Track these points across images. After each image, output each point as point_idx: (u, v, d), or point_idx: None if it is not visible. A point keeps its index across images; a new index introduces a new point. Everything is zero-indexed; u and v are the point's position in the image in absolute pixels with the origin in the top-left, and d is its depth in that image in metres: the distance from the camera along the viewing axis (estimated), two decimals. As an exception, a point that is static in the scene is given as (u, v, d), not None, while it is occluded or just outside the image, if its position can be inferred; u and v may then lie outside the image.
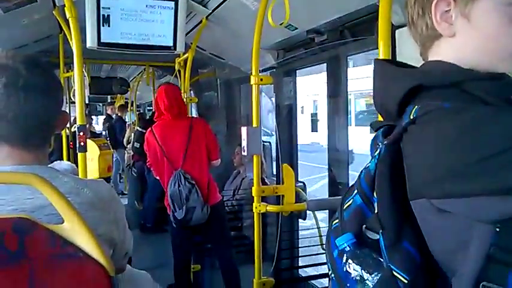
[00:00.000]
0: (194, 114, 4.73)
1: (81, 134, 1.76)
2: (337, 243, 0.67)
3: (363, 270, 0.63)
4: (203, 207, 2.69)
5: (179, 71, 3.58)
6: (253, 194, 1.99)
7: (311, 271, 2.79)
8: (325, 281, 2.53)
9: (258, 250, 2.01)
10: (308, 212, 2.57)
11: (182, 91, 3.53)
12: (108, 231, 0.97)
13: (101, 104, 10.18)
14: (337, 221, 0.72)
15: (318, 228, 2.91)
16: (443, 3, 0.67)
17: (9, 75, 0.89)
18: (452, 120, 0.57)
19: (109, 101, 8.51)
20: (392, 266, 0.61)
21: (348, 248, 0.66)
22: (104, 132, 7.73)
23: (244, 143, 1.99)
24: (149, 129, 2.89)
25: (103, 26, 2.64)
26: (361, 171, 0.70)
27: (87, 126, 5.45)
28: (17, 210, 0.85)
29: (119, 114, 7.51)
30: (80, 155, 1.79)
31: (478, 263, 0.54)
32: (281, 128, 3.18)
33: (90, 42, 2.64)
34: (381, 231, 0.63)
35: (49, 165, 1.04)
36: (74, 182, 0.95)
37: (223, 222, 2.93)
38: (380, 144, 0.67)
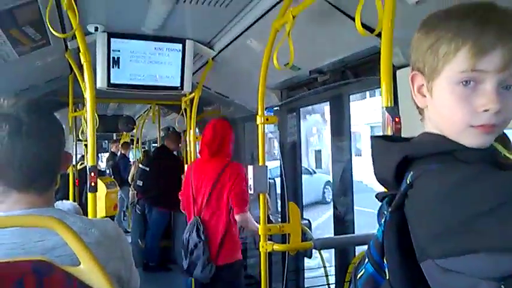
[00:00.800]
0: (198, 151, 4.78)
1: (92, 174, 1.79)
2: None
3: None
4: (205, 266, 2.40)
5: (185, 109, 3.67)
6: (259, 233, 1.99)
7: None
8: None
9: (266, 291, 2.00)
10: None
11: (188, 129, 3.61)
12: (116, 269, 0.98)
13: (106, 142, 10.28)
14: None
15: (324, 267, 2.88)
16: (419, 77, 0.72)
17: (12, 123, 0.93)
18: (439, 180, 0.61)
19: (114, 138, 8.60)
20: None
21: None
22: (107, 170, 7.77)
23: (250, 182, 2.02)
24: (191, 163, 2.77)
25: (113, 67, 2.74)
26: (370, 241, 0.74)
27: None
28: (28, 253, 0.87)
29: (122, 152, 7.57)
30: (90, 195, 1.81)
31: None
32: (286, 165, 3.22)
33: (100, 83, 2.74)
34: None
35: None
36: (81, 222, 0.98)
37: None
38: (385, 212, 0.70)
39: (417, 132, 0.78)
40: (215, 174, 2.52)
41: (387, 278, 0.66)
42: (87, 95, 1.87)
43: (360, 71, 2.46)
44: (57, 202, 2.10)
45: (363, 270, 0.73)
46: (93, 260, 0.83)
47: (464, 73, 0.65)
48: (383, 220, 0.69)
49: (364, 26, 1.40)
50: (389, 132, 1.10)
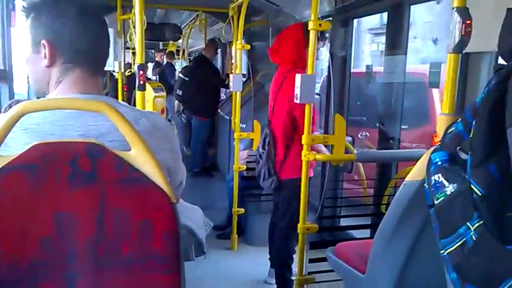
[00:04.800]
0: (244, 62, 4.67)
1: (141, 72, 1.80)
2: (432, 158, 0.85)
3: (445, 180, 0.80)
4: (265, 178, 2.37)
5: (232, 17, 3.53)
6: (302, 142, 1.98)
7: (351, 221, 2.79)
8: (364, 232, 2.55)
9: (305, 197, 2.04)
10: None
11: (234, 38, 3.51)
12: (165, 159, 1.01)
13: (152, 51, 10.32)
14: (439, 143, 0.89)
15: (363, 179, 2.89)
16: None
17: (75, 3, 0.98)
18: None
19: (160, 47, 8.59)
20: (471, 181, 0.75)
21: (439, 163, 0.83)
22: (154, 78, 7.87)
23: (297, 91, 1.95)
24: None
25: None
26: (467, 106, 0.85)
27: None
28: (83, 136, 0.90)
29: (168, 61, 7.58)
30: (139, 94, 1.84)
31: None
32: (335, 80, 3.12)
33: (148, -16, 2.65)
34: (470, 152, 0.77)
35: None
36: (132, 112, 1.00)
37: (287, 206, 2.37)
38: (492, 82, 0.79)
39: (487, 38, 0.86)
40: (277, 83, 2.33)
41: (470, 136, 0.79)
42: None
43: (425, -23, 2.24)
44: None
45: (453, 128, 0.87)
46: (143, 146, 0.85)
47: None
48: (486, 88, 0.79)
49: None
50: (457, 37, 1.01)
